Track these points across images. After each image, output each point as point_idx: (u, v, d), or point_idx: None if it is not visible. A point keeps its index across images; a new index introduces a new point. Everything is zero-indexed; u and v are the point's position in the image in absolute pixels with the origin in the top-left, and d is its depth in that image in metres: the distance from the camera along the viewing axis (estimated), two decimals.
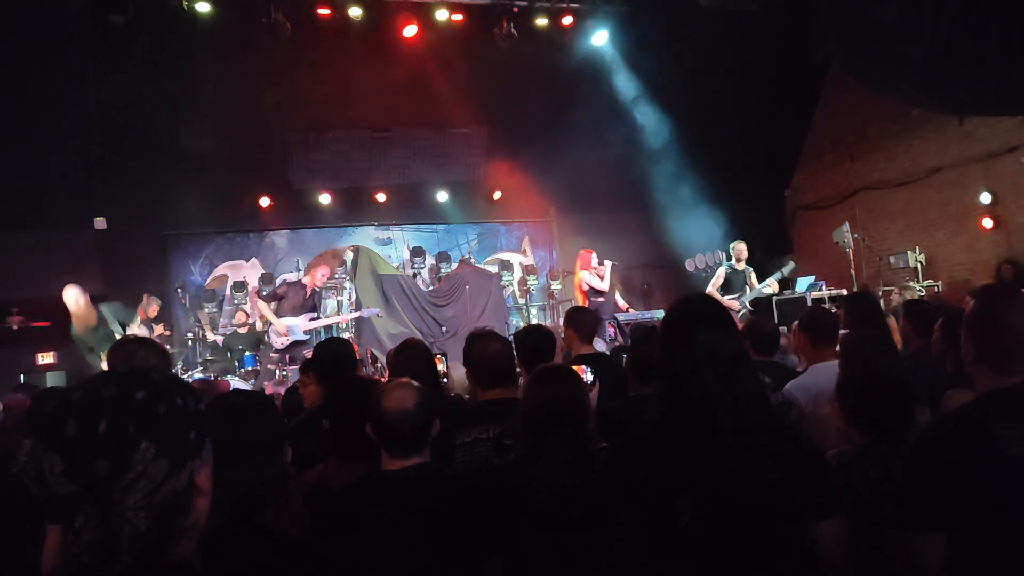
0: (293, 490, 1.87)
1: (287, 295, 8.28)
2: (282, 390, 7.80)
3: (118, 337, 7.40)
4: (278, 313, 8.20)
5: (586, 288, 9.54)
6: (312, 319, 8.34)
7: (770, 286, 9.68)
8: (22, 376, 9.50)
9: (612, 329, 8.84)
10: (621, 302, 9.97)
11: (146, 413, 1.06)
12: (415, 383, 2.54)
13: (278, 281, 8.40)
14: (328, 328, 11.95)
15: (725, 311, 2.06)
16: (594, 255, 9.62)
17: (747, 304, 9.38)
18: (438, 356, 4.58)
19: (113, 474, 1.02)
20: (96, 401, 1.05)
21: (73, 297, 7.53)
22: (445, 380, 4.62)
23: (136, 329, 7.76)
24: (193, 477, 1.11)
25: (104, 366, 7.13)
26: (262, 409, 2.13)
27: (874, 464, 2.50)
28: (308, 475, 2.89)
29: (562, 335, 5.26)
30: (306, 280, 8.52)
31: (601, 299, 9.56)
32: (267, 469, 1.83)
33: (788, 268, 9.92)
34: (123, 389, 1.07)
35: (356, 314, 10.11)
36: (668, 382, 1.93)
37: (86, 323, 7.56)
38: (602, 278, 9.55)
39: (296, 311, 8.23)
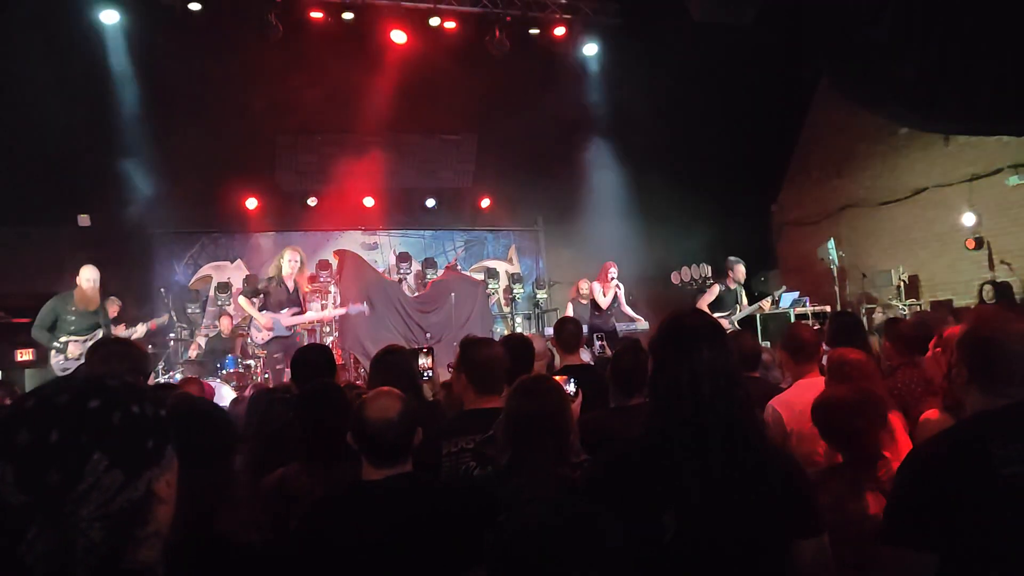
0: (246, 496, 1.84)
1: (270, 291, 8.18)
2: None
3: (98, 332, 7.34)
4: (263, 310, 8.11)
5: (592, 297, 9.79)
6: (295, 314, 8.20)
7: (762, 307, 9.72)
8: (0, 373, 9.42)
9: (600, 343, 8.87)
10: (631, 312, 10.04)
11: (99, 422, 1.04)
12: (398, 392, 2.52)
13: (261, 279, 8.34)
14: (312, 332, 11.92)
15: (723, 328, 2.06)
16: (613, 269, 9.83)
17: (736, 323, 9.42)
18: (423, 350, 4.57)
19: (65, 485, 1.00)
20: (49, 410, 1.03)
21: (89, 276, 7.47)
22: (430, 373, 4.61)
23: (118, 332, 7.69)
24: (152, 486, 1.09)
25: (56, 346, 7.11)
26: (206, 416, 2.12)
27: (843, 484, 2.51)
28: (268, 479, 2.87)
29: (548, 344, 5.28)
30: (283, 273, 8.32)
31: (597, 313, 9.69)
32: (212, 476, 1.81)
33: (780, 292, 9.97)
34: (77, 397, 1.05)
35: (342, 310, 9.72)
36: (664, 395, 1.92)
37: (86, 304, 7.48)
38: (605, 294, 9.77)
39: (280, 307, 8.13)
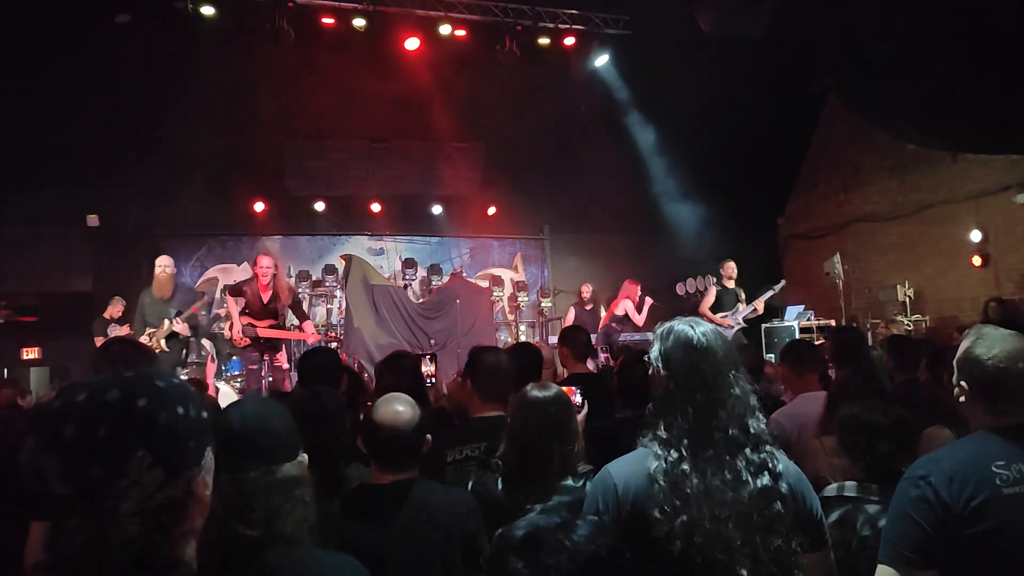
0: (311, 497, 1.86)
1: (247, 294, 7.79)
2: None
3: (165, 322, 7.55)
4: (244, 312, 7.85)
5: (621, 314, 9.97)
6: (271, 326, 7.77)
7: (766, 295, 9.82)
8: (5, 371, 9.45)
9: (604, 356, 8.94)
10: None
11: (146, 421, 1.07)
12: (408, 397, 2.54)
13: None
14: (317, 337, 11.91)
15: (732, 341, 2.07)
16: (639, 288, 10.35)
17: (740, 321, 9.53)
18: (427, 356, 4.59)
19: (108, 480, 1.03)
20: (98, 405, 1.06)
21: (162, 263, 7.83)
22: (433, 380, 4.62)
23: (170, 324, 7.67)
24: (190, 486, 1.12)
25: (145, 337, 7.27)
26: (272, 416, 2.12)
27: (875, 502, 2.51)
28: None
29: (555, 354, 5.29)
30: (255, 278, 7.87)
31: (620, 327, 9.88)
32: (282, 476, 1.82)
33: (779, 285, 10.02)
34: (126, 395, 1.07)
35: (309, 335, 8.48)
36: (683, 411, 1.91)
37: (161, 291, 7.74)
38: (640, 312, 10.23)
39: (258, 316, 7.79)
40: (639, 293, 10.21)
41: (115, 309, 9.33)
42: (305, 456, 1.93)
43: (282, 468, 1.78)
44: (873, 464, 2.55)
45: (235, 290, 8.02)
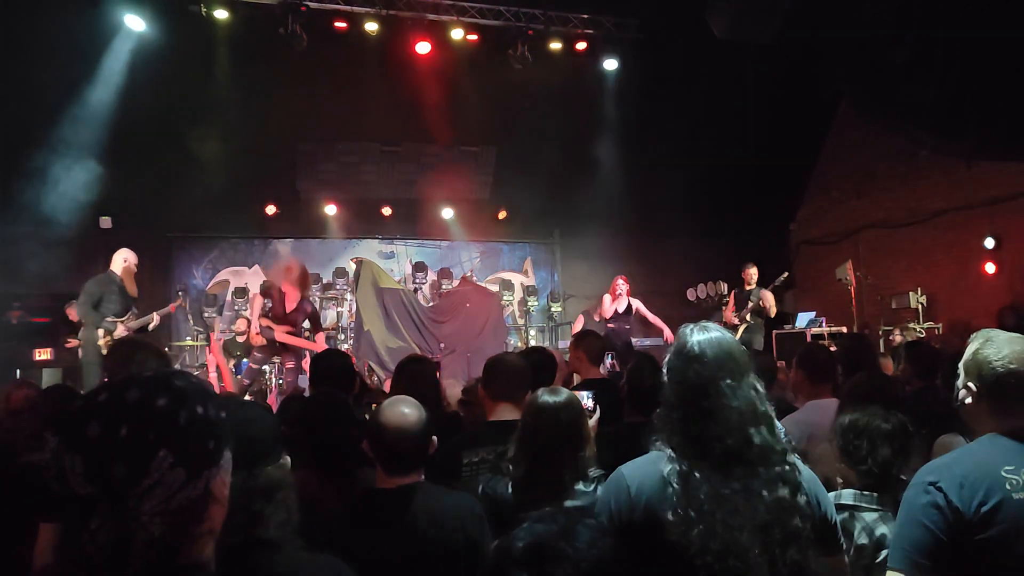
0: (294, 501, 1.85)
1: (274, 298, 8.06)
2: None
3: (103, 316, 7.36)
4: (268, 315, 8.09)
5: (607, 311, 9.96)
6: (288, 332, 8.02)
7: (763, 298, 9.88)
8: (18, 371, 9.48)
9: (611, 362, 8.89)
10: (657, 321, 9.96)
11: (167, 421, 1.07)
12: (414, 400, 2.53)
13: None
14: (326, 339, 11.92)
15: (753, 357, 2.07)
16: (620, 283, 9.81)
17: (747, 318, 9.59)
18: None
19: (131, 479, 1.03)
20: (119, 405, 1.06)
21: (132, 259, 7.73)
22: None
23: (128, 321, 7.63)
24: (209, 485, 1.12)
25: (107, 326, 7.22)
26: (253, 420, 2.11)
27: (872, 509, 2.50)
28: None
29: (566, 357, 5.27)
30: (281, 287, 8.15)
31: (611, 325, 9.77)
32: (264, 480, 1.82)
33: (781, 277, 10.03)
34: (146, 395, 1.08)
35: (320, 346, 8.51)
36: (711, 420, 1.88)
37: (132, 285, 7.68)
38: (609, 305, 9.84)
39: (279, 321, 8.01)
40: (619, 288, 9.83)
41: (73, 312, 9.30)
42: (288, 459, 1.92)
43: (263, 472, 1.78)
44: (873, 470, 2.54)
45: (264, 290, 8.34)
